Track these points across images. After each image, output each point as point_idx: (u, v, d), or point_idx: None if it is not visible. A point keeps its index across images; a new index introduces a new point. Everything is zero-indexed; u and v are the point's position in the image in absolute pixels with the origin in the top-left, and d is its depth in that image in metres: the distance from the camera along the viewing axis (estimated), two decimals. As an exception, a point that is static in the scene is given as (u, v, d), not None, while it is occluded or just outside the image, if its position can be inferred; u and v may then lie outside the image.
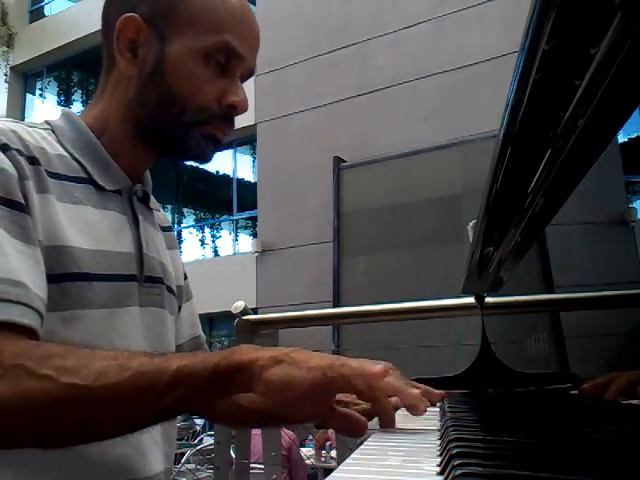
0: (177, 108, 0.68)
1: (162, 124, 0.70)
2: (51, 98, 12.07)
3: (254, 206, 8.26)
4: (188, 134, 0.69)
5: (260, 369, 0.51)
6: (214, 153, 0.73)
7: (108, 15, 0.71)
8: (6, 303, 0.54)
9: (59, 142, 0.69)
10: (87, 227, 0.66)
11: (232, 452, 1.64)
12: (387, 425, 0.57)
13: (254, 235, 8.86)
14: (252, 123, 8.25)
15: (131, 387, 0.51)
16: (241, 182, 9.77)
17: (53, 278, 0.60)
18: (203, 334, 0.93)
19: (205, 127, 0.70)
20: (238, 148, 9.54)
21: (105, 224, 0.68)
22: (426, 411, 0.60)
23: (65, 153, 0.68)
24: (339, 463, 0.40)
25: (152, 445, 0.69)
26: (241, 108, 0.71)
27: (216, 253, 10.08)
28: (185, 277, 0.90)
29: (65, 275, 0.61)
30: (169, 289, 0.78)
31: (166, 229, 0.87)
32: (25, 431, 0.51)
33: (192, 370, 0.52)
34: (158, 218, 0.85)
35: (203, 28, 0.68)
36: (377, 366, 0.52)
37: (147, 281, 0.72)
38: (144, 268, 0.71)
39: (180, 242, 10.57)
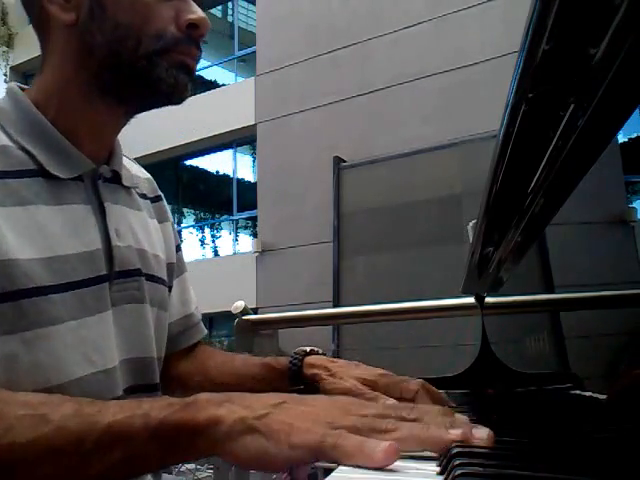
0: (131, 41, 0.60)
1: (120, 64, 0.61)
2: (51, 98, 12.05)
3: (254, 206, 8.26)
4: (154, 64, 0.60)
5: (225, 437, 0.40)
6: (189, 87, 0.64)
7: None
8: None
9: (1, 128, 0.60)
10: (38, 232, 0.57)
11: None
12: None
13: (254, 235, 8.86)
14: (252, 123, 8.25)
15: (47, 447, 0.41)
16: (241, 182, 9.77)
17: (4, 297, 0.53)
18: (198, 313, 0.87)
19: (170, 55, 0.61)
20: (238, 148, 9.54)
21: (62, 223, 0.59)
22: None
23: (9, 142, 0.59)
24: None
25: None
26: (203, 26, 0.63)
27: (216, 253, 10.08)
28: (178, 249, 0.84)
29: (18, 292, 0.54)
30: (150, 278, 0.70)
31: (154, 199, 0.80)
32: None
33: (129, 427, 0.41)
34: (144, 187, 0.78)
35: None
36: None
37: (120, 277, 0.65)
38: (115, 264, 0.64)
39: (180, 242, 10.55)
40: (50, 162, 0.60)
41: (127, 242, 0.67)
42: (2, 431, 0.41)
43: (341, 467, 0.39)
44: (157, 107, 0.66)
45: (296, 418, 0.40)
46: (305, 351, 0.77)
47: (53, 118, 0.62)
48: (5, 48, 11.85)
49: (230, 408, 0.41)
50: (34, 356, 0.55)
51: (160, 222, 0.79)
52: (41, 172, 0.60)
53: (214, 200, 10.73)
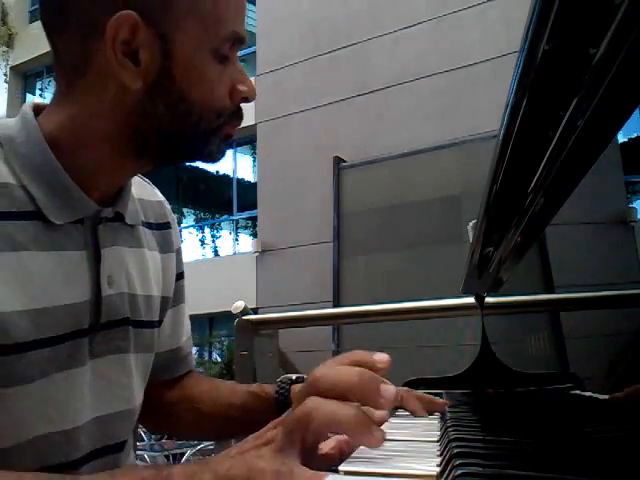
0: (194, 117, 0.59)
1: (177, 136, 0.60)
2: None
3: (254, 206, 8.26)
4: (209, 141, 0.62)
5: None
6: (225, 150, 0.66)
7: (83, 10, 0.56)
8: None
9: (6, 161, 0.57)
10: (27, 280, 0.55)
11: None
12: None
13: (254, 235, 8.86)
14: (252, 123, 8.25)
15: None
16: (241, 182, 9.77)
17: None
18: (189, 345, 0.85)
19: (223, 129, 0.62)
20: (238, 148, 9.55)
21: (54, 270, 0.57)
22: None
23: (11, 179, 0.56)
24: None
25: None
26: (252, 97, 0.63)
27: (216, 253, 10.09)
28: (179, 277, 0.81)
29: None
30: (138, 324, 0.68)
31: (161, 226, 0.77)
32: None
33: None
34: (152, 214, 0.75)
35: (208, 17, 0.57)
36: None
37: (106, 327, 0.63)
38: (102, 313, 0.62)
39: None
40: (49, 205, 0.57)
41: (119, 289, 0.65)
42: None
43: (341, 467, 0.39)
44: None
45: (251, 464, 0.39)
46: (291, 379, 0.75)
47: (65, 157, 0.59)
48: (5, 48, 11.86)
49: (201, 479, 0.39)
50: None
51: (163, 252, 0.76)
52: (39, 215, 0.57)
53: (214, 200, 10.73)
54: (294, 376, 0.76)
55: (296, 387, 0.73)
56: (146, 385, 0.74)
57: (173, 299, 0.80)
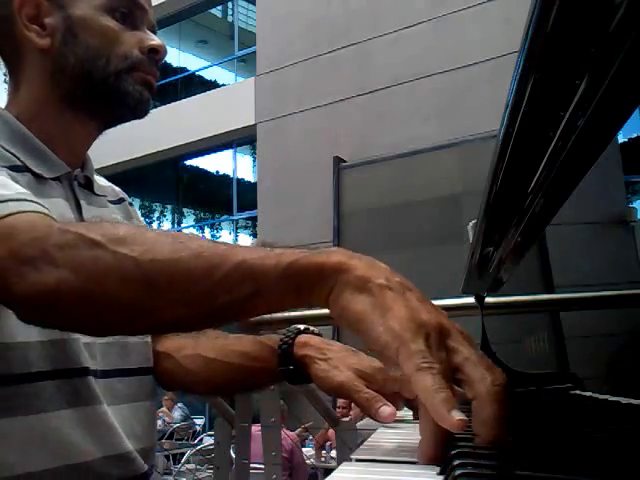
0: (101, 61, 0.69)
1: (92, 81, 0.69)
2: (51, 98, 12.05)
3: (254, 206, 8.26)
4: (122, 80, 0.70)
5: (341, 287, 0.41)
6: (150, 102, 0.73)
7: None
8: (18, 202, 0.51)
9: None
10: None
11: (232, 452, 1.64)
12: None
13: (254, 235, 8.86)
14: (252, 123, 8.25)
15: (184, 269, 0.44)
16: (241, 182, 9.76)
17: None
18: None
19: (135, 73, 0.70)
20: (238, 148, 9.54)
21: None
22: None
23: None
24: (339, 463, 0.39)
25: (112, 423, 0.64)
26: (162, 51, 0.73)
27: (216, 253, 10.07)
28: None
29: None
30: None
31: (117, 201, 0.84)
32: (72, 307, 0.46)
33: (261, 265, 0.43)
34: (111, 192, 0.83)
35: None
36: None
37: None
38: None
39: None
40: (32, 163, 0.67)
41: None
42: (145, 248, 0.44)
43: (340, 467, 0.39)
44: (124, 121, 0.76)
45: (407, 309, 0.39)
46: (299, 329, 0.73)
47: (32, 130, 0.69)
48: (5, 48, 11.86)
49: (360, 263, 0.42)
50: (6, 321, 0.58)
51: (129, 219, 0.84)
52: (26, 169, 0.66)
53: (214, 200, 10.72)
54: (302, 326, 0.73)
55: (302, 338, 0.71)
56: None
57: None
